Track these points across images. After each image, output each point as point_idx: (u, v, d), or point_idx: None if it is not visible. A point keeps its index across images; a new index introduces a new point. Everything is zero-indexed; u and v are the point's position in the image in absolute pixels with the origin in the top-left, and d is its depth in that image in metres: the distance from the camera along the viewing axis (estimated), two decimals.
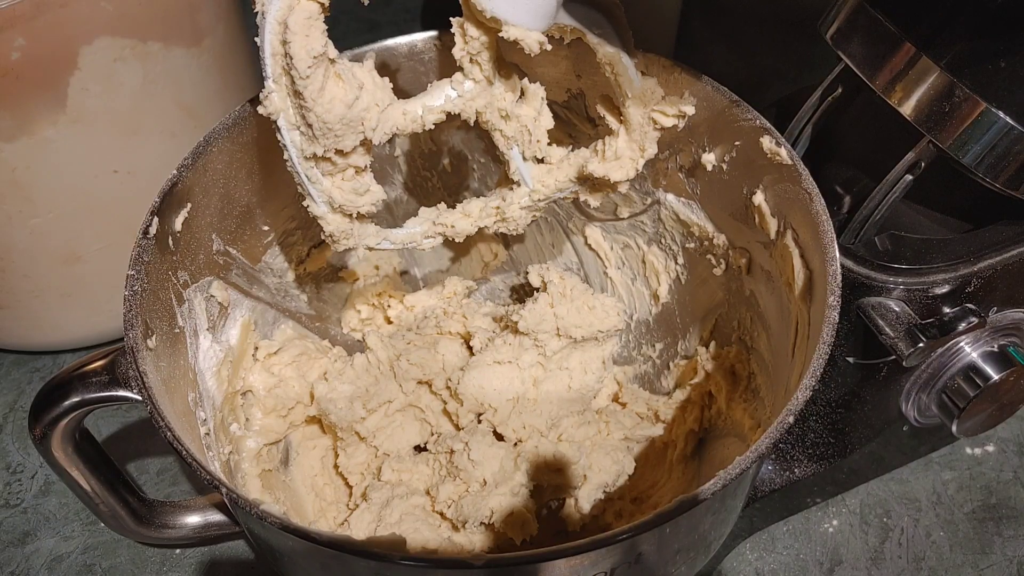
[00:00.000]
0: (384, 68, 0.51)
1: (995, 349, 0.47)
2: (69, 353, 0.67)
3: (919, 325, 0.43)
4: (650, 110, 0.45)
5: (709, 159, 0.48)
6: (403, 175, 0.58)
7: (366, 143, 0.40)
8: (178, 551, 0.55)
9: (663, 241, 0.56)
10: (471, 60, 0.40)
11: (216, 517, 0.50)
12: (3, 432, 0.62)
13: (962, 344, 0.47)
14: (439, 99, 0.41)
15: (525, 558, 0.32)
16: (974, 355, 0.47)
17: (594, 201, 0.48)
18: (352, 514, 0.51)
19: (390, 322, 0.62)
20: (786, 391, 0.41)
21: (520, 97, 0.43)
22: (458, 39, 0.40)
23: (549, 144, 0.45)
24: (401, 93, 0.41)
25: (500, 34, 0.37)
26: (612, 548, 0.33)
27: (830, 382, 0.49)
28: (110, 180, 0.56)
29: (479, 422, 0.55)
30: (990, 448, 0.59)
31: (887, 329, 0.43)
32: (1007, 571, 0.54)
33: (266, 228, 0.52)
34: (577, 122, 0.53)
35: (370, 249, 0.46)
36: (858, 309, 0.45)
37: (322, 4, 0.36)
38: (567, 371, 0.57)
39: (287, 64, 0.37)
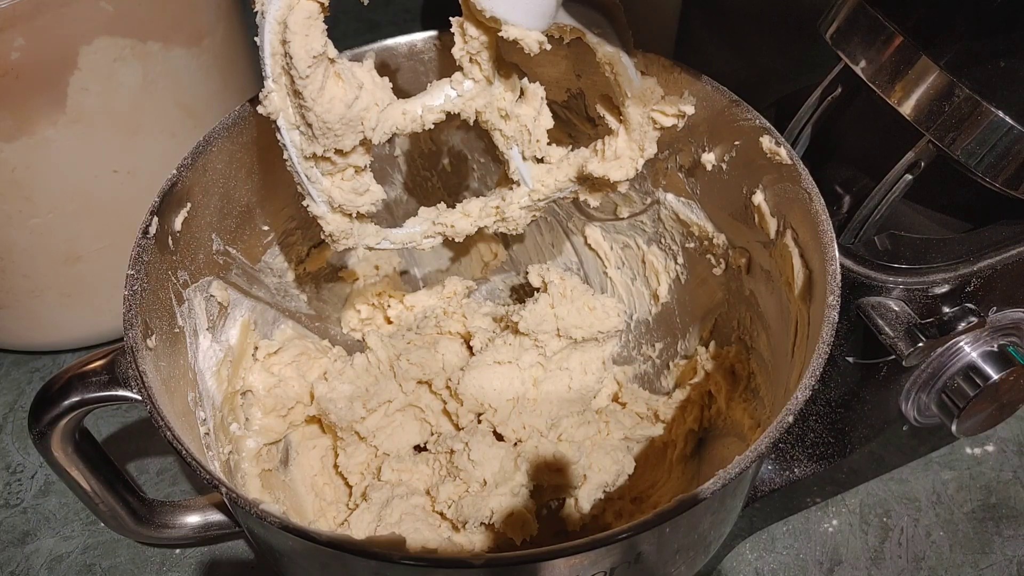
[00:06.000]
0: (384, 68, 0.51)
1: (995, 349, 0.47)
2: (69, 353, 0.67)
3: (919, 325, 0.43)
4: (650, 110, 0.45)
5: (709, 159, 0.48)
6: (403, 175, 0.58)
7: (366, 143, 0.40)
8: (178, 551, 0.55)
9: (663, 241, 0.56)
10: (471, 60, 0.40)
11: (216, 517, 0.50)
12: (3, 432, 0.62)
13: (962, 344, 0.47)
14: (439, 99, 0.41)
15: (525, 558, 0.32)
16: (974, 355, 0.47)
17: (594, 201, 0.48)
18: (352, 514, 0.51)
19: (390, 322, 0.62)
20: (786, 391, 0.41)
21: (520, 97, 0.43)
22: (458, 39, 0.40)
23: (549, 144, 0.45)
24: (401, 93, 0.41)
25: (500, 34, 0.37)
26: (612, 548, 0.33)
27: (830, 382, 0.49)
28: (110, 180, 0.56)
29: (479, 422, 0.55)
30: (990, 448, 0.59)
31: (887, 329, 0.43)
32: (1007, 571, 0.54)
33: (266, 228, 0.52)
34: (577, 122, 0.53)
35: (370, 249, 0.46)
36: (858, 309, 0.45)
37: (322, 4, 0.36)
38: (567, 371, 0.57)
39: (287, 64, 0.37)
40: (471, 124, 0.43)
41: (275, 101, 0.38)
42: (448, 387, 0.55)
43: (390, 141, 0.48)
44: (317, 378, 0.55)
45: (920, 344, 0.42)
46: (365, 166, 0.42)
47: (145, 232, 0.42)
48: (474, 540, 0.50)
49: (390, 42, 0.51)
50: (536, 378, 0.56)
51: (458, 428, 0.55)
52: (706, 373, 0.54)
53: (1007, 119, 0.39)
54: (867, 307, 0.45)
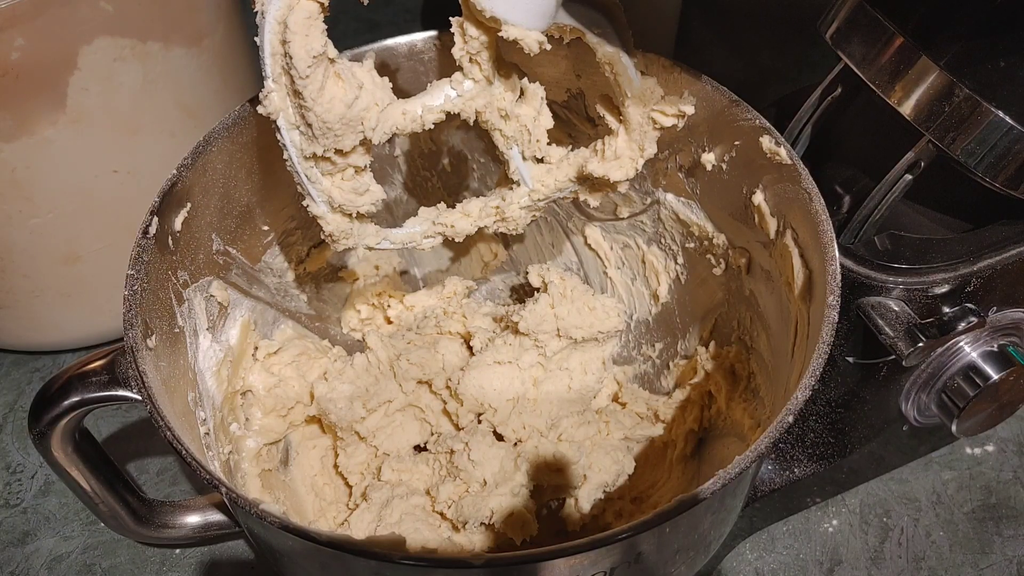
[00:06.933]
0: (384, 68, 0.51)
1: (995, 349, 0.47)
2: (69, 353, 0.67)
3: (919, 325, 0.43)
4: (650, 110, 0.45)
5: (709, 159, 0.48)
6: (403, 175, 0.58)
7: (366, 143, 0.40)
8: (178, 551, 0.55)
9: (663, 241, 0.56)
10: (471, 60, 0.40)
11: (216, 517, 0.50)
12: (3, 432, 0.62)
13: (962, 344, 0.47)
14: (439, 99, 0.41)
15: (525, 558, 0.32)
16: (974, 355, 0.47)
17: (594, 201, 0.48)
18: (352, 514, 0.51)
19: (390, 322, 0.62)
20: (786, 391, 0.41)
21: (520, 97, 0.43)
22: (458, 39, 0.40)
23: (549, 144, 0.45)
24: (401, 93, 0.41)
25: (500, 34, 0.37)
26: (612, 548, 0.33)
27: (830, 382, 0.49)
28: (110, 180, 0.56)
29: (479, 422, 0.55)
30: (990, 448, 0.59)
31: (887, 329, 0.43)
32: (1007, 571, 0.54)
33: (266, 228, 0.52)
34: (577, 122, 0.53)
35: (370, 249, 0.46)
36: (858, 309, 0.45)
37: (322, 4, 0.36)
38: (567, 371, 0.57)
39: (287, 64, 0.37)
40: (471, 124, 0.43)
41: (275, 101, 0.38)
42: (448, 387, 0.55)
43: (390, 141, 0.48)
44: (317, 378, 0.55)
45: (920, 344, 0.42)
46: (365, 166, 0.42)
47: (145, 232, 0.42)
48: (474, 540, 0.50)
49: (390, 42, 0.51)
50: (536, 378, 0.56)
51: (458, 428, 0.55)
52: (706, 373, 0.54)
53: (1007, 119, 0.39)
54: (867, 307, 0.45)
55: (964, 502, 0.57)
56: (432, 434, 0.56)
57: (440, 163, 0.58)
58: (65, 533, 0.56)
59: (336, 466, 0.55)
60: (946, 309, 0.45)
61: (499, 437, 0.54)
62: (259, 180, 0.49)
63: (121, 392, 0.40)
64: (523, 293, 0.64)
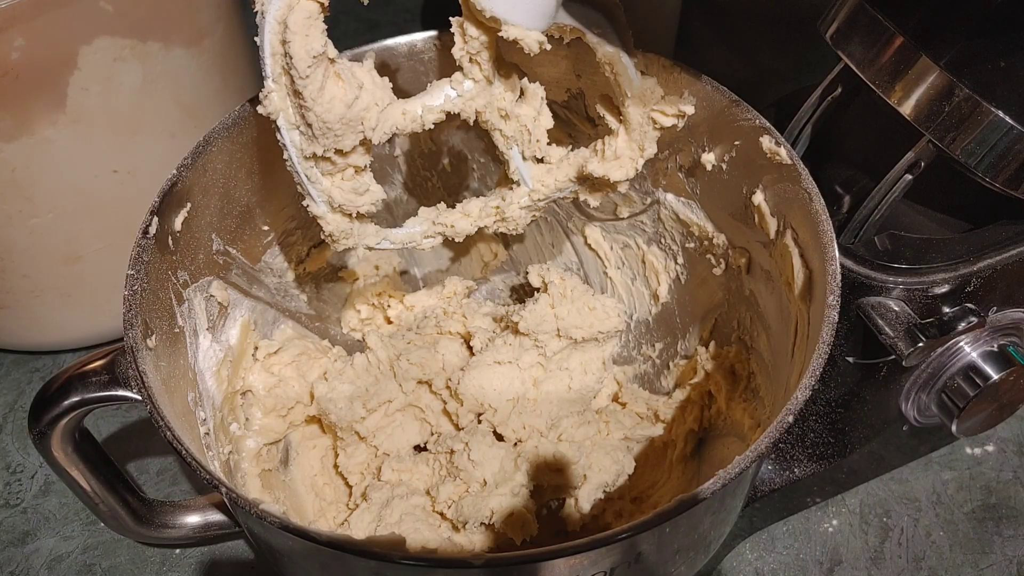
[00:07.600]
0: (384, 68, 0.51)
1: (995, 349, 0.47)
2: (69, 353, 0.67)
3: (919, 325, 0.43)
4: (650, 110, 0.45)
5: (709, 159, 0.48)
6: (403, 175, 0.58)
7: (366, 143, 0.40)
8: (178, 551, 0.55)
9: (663, 241, 0.56)
10: (471, 60, 0.40)
11: (216, 517, 0.50)
12: (3, 432, 0.62)
13: (962, 344, 0.47)
14: (439, 99, 0.41)
15: (525, 558, 0.32)
16: (974, 355, 0.47)
17: (594, 201, 0.48)
18: (352, 514, 0.51)
19: (390, 322, 0.62)
20: (786, 391, 0.41)
21: (520, 97, 0.43)
22: (458, 39, 0.40)
23: (549, 144, 0.45)
24: (401, 93, 0.41)
25: (500, 34, 0.37)
26: (612, 548, 0.33)
27: (830, 382, 0.49)
28: (110, 180, 0.56)
29: (479, 422, 0.55)
30: (990, 448, 0.59)
31: (887, 329, 0.43)
32: (1007, 571, 0.54)
33: (266, 228, 0.52)
34: (577, 122, 0.53)
35: (370, 249, 0.46)
36: (858, 309, 0.45)
37: (322, 4, 0.36)
38: (567, 371, 0.57)
39: (287, 64, 0.37)
40: (471, 124, 0.43)
41: (275, 101, 0.38)
42: (448, 387, 0.55)
43: (390, 141, 0.48)
44: (317, 378, 0.55)
45: (920, 344, 0.42)
46: (365, 166, 0.42)
47: (145, 232, 0.42)
48: (474, 540, 0.50)
49: (390, 42, 0.51)
50: (536, 378, 0.56)
51: (458, 428, 0.55)
52: (706, 373, 0.54)
53: (1007, 119, 0.39)
54: (867, 307, 0.45)
55: (964, 502, 0.57)
56: (432, 434, 0.56)
57: (440, 163, 0.58)
58: (65, 533, 0.56)
59: (336, 466, 0.55)
60: (946, 309, 0.45)
61: (499, 437, 0.54)
62: (259, 180, 0.49)
63: (121, 392, 0.40)
64: (523, 293, 0.64)
